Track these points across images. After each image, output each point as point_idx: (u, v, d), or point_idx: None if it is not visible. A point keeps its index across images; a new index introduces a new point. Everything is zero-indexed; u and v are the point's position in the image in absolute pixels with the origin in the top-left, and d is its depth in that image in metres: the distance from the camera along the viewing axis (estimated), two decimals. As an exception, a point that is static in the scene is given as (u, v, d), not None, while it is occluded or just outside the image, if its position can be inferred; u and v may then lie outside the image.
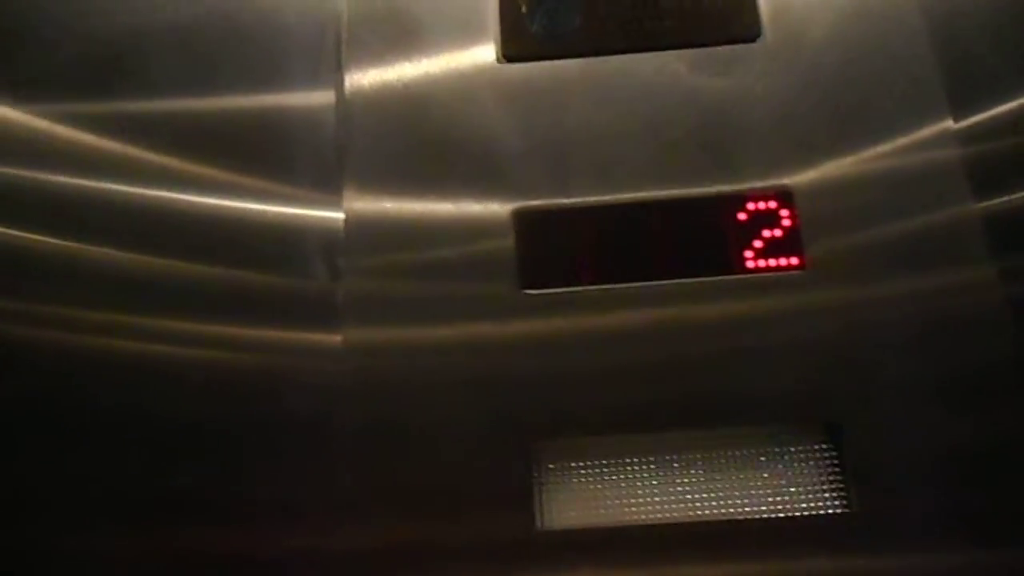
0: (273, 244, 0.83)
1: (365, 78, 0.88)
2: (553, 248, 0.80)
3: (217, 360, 0.79)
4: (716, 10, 0.88)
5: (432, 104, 0.87)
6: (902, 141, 0.82)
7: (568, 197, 0.82)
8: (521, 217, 0.81)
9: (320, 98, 0.88)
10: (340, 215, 0.83)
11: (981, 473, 0.71)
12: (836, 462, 0.73)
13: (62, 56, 0.92)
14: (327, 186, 0.84)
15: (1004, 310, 0.75)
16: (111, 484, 0.77)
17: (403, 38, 0.90)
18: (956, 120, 0.82)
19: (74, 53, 0.92)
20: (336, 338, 0.79)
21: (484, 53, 0.89)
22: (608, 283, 0.79)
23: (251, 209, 0.84)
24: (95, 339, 0.81)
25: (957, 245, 0.78)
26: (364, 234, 0.82)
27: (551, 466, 0.75)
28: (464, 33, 0.90)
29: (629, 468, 0.75)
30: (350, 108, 0.87)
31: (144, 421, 0.78)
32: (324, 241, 0.83)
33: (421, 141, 0.85)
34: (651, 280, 0.79)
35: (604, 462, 0.75)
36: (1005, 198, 0.79)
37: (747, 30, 0.87)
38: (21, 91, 0.90)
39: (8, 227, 0.85)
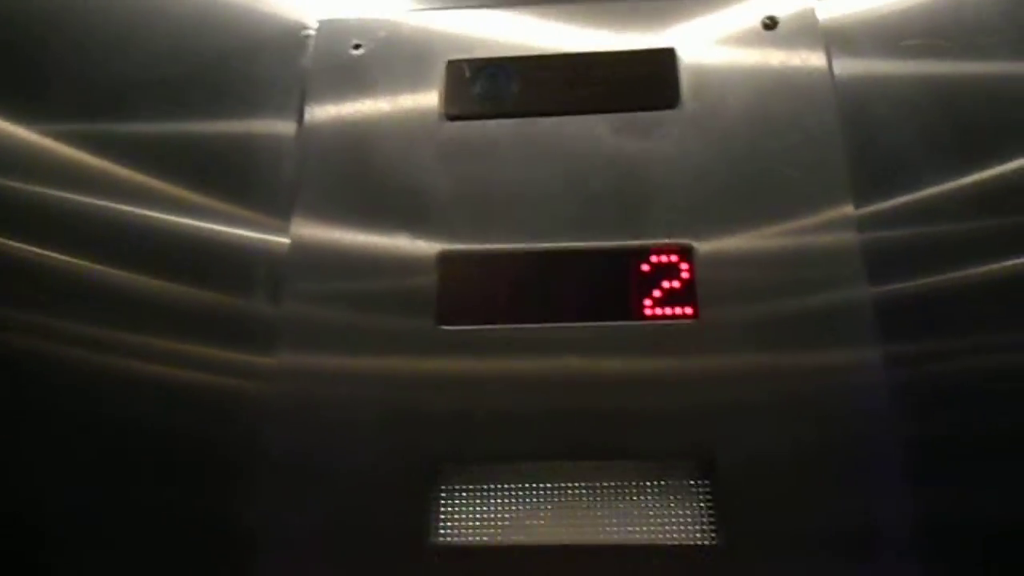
0: (222, 263, 0.92)
1: (323, 115, 0.98)
2: (471, 289, 0.88)
3: (160, 373, 0.88)
4: (640, 79, 0.97)
5: (378, 150, 0.96)
6: (802, 217, 0.88)
7: (490, 243, 0.90)
8: (445, 258, 0.89)
9: (281, 128, 0.99)
10: (286, 240, 0.92)
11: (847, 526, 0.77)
12: (709, 497, 0.78)
13: (67, 88, 1.04)
14: (278, 212, 0.94)
15: (883, 392, 0.80)
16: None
17: (359, 94, 1.00)
18: (857, 206, 0.88)
19: (77, 87, 1.04)
20: (271, 361, 0.87)
21: (429, 111, 0.98)
22: (518, 323, 0.86)
23: (205, 228, 0.94)
24: (48, 344, 0.90)
25: (846, 324, 0.83)
26: (306, 261, 0.91)
27: (450, 487, 0.81)
28: (413, 92, 0.99)
29: (521, 493, 0.81)
30: (307, 142, 0.97)
31: (89, 427, 0.87)
32: (269, 264, 0.92)
33: (365, 182, 0.94)
34: (558, 322, 0.86)
35: (498, 486, 0.81)
36: (897, 285, 0.85)
37: (666, 98, 0.95)
38: (31, 114, 1.01)
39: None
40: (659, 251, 0.88)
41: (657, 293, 0.86)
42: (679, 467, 0.80)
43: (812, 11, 0.98)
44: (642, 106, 0.95)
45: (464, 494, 0.81)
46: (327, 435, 0.83)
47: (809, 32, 0.98)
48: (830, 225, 0.87)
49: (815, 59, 0.96)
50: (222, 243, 0.94)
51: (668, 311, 0.85)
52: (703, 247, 0.87)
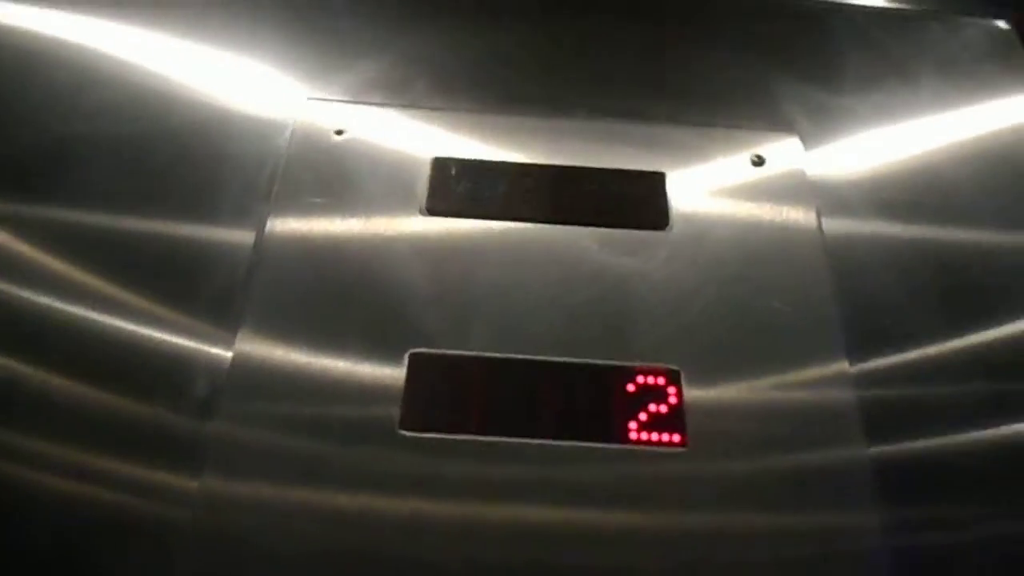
0: (156, 373, 0.80)
1: (287, 224, 0.90)
2: (440, 394, 0.80)
3: (70, 491, 0.74)
4: (629, 198, 0.94)
5: (349, 250, 0.89)
6: (796, 364, 0.83)
7: (465, 349, 0.83)
8: (415, 361, 0.81)
9: (240, 237, 0.90)
10: (228, 354, 0.81)
11: None
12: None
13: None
14: (224, 324, 0.83)
15: (882, 557, 0.73)
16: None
17: (335, 184, 0.94)
18: (852, 362, 0.83)
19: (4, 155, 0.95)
20: (193, 484, 0.74)
21: (409, 208, 0.92)
22: (489, 435, 0.77)
23: (143, 334, 0.82)
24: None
25: (843, 484, 0.77)
26: (248, 377, 0.80)
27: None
28: (394, 189, 0.94)
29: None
30: (266, 252, 0.88)
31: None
32: (207, 379, 0.80)
33: (329, 288, 0.86)
34: (532, 438, 0.78)
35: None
36: (894, 446, 0.80)
37: (656, 220, 0.93)
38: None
39: None
40: (645, 372, 0.82)
41: (643, 416, 0.79)
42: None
43: (800, 162, 0.99)
44: (630, 224, 0.92)
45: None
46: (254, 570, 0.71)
47: (796, 175, 0.98)
48: (826, 380, 0.82)
49: (803, 203, 0.96)
50: (159, 352, 0.81)
51: (655, 436, 0.78)
52: (692, 373, 0.82)
